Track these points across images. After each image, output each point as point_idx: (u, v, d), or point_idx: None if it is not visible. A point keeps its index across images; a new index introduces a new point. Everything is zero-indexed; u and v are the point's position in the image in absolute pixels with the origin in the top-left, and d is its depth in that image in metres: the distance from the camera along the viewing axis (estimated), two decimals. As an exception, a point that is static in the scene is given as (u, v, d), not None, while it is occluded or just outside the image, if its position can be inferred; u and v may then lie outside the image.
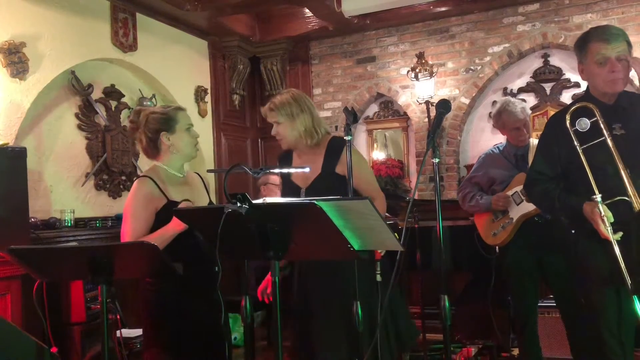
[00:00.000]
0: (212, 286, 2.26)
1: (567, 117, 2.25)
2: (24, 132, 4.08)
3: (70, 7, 4.35)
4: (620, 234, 2.08)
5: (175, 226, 2.31)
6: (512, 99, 3.53)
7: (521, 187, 3.16)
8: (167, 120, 2.48)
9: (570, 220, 2.37)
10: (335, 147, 2.61)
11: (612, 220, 2.10)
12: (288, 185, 2.71)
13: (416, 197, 4.85)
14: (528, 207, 3.18)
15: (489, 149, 3.58)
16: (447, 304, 2.14)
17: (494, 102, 5.63)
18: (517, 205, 3.25)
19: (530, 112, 3.51)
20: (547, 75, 5.47)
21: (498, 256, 3.47)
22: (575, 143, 2.21)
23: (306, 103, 2.65)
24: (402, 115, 6.03)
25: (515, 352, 3.91)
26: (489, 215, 3.40)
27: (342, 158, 2.56)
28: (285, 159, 2.78)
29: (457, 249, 3.91)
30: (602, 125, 2.18)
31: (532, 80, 5.54)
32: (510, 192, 3.30)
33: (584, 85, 5.13)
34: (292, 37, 6.09)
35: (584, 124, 2.20)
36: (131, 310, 3.28)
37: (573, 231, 2.40)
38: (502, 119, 3.36)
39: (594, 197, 2.12)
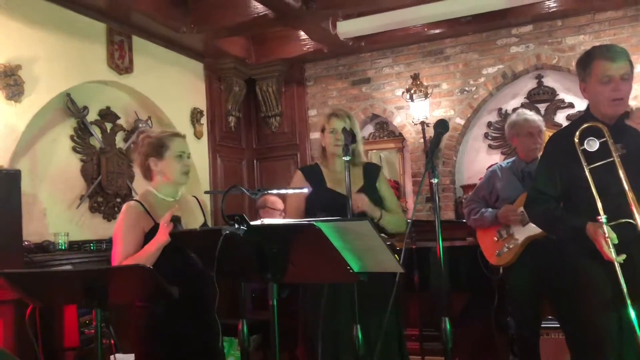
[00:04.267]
0: (206, 309, 2.23)
1: (577, 136, 2.23)
2: (18, 155, 4.05)
3: (66, 30, 4.36)
4: (624, 256, 2.05)
5: (159, 239, 2.29)
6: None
7: None
8: (157, 146, 2.51)
9: (572, 241, 2.35)
10: (373, 168, 2.97)
11: (615, 241, 2.07)
12: (331, 196, 2.77)
13: (414, 217, 4.83)
14: (535, 229, 3.06)
15: (498, 164, 3.55)
16: (448, 326, 2.11)
17: (489, 123, 5.67)
18: (524, 226, 3.20)
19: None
20: (541, 95, 5.50)
21: (502, 276, 3.42)
22: (584, 163, 2.19)
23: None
24: (397, 136, 6.04)
25: (516, 374, 3.86)
26: (492, 234, 3.35)
27: (380, 176, 2.95)
28: (315, 173, 2.85)
29: (455, 269, 3.87)
30: (611, 147, 2.16)
31: (527, 100, 5.56)
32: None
33: (578, 105, 5.23)
34: (288, 59, 6.11)
35: (594, 143, 2.18)
36: (125, 334, 3.22)
37: (573, 252, 2.38)
38: (518, 124, 3.33)
39: (599, 217, 2.09)
